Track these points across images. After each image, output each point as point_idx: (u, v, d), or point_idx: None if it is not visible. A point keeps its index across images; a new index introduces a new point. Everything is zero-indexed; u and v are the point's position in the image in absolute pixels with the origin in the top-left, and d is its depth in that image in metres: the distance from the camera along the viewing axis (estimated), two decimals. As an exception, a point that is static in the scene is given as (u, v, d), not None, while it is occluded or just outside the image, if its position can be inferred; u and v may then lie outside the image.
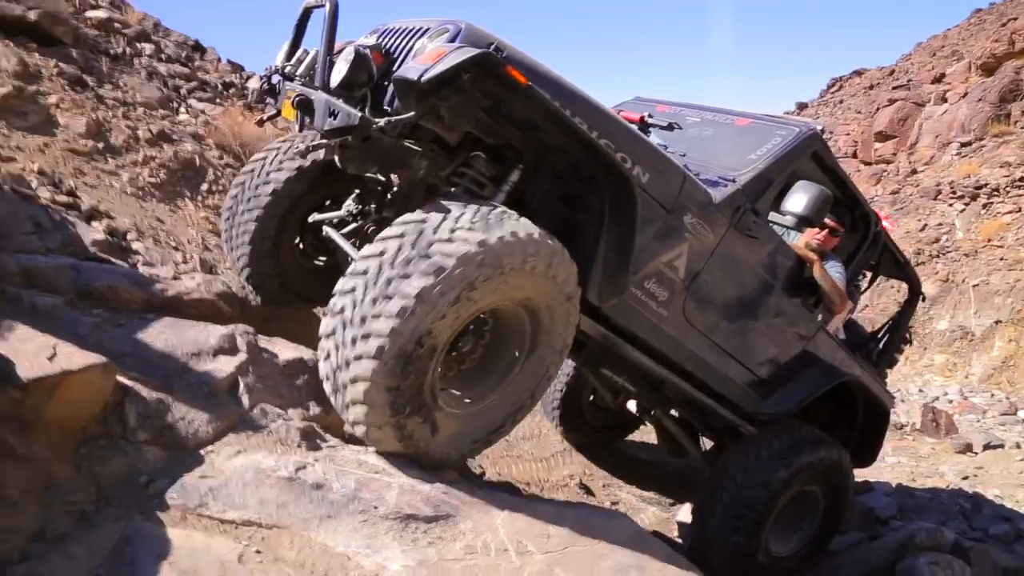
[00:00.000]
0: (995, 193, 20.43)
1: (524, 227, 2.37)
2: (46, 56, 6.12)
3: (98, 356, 2.14)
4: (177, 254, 4.19)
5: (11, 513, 1.76)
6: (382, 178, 3.19)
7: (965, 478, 6.05)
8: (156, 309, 2.82)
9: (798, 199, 3.10)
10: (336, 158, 2.72)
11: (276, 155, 3.37)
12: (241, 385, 2.47)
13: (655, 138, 3.28)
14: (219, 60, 11.60)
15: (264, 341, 2.81)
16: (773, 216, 3.41)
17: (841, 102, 42.32)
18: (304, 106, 2.59)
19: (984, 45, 27.32)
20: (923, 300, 4.65)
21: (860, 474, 6.19)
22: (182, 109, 7.10)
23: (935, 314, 18.42)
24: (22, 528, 1.77)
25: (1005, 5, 31.97)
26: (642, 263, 2.87)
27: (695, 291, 3.12)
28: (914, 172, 25.95)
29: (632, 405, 4.88)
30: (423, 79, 2.22)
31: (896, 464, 6.68)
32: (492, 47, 2.43)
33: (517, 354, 2.61)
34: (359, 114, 2.37)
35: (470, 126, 2.66)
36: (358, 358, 2.18)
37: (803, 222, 3.15)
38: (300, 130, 2.67)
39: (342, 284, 2.37)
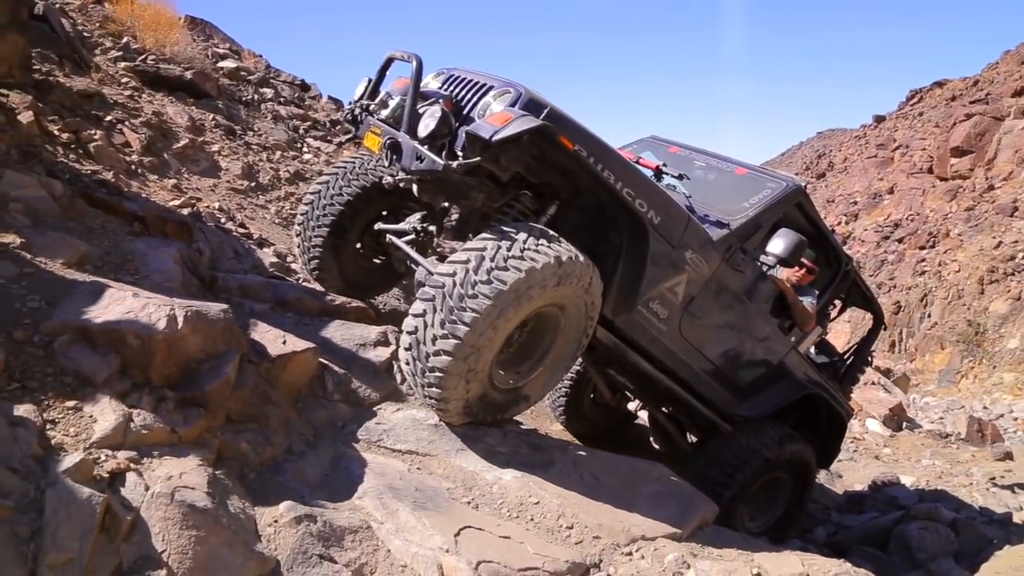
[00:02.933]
0: (1074, 211, 19.99)
1: (568, 250, 2.99)
2: (201, 109, 7.52)
3: (309, 343, 3.27)
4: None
5: (277, 436, 2.88)
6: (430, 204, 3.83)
7: (992, 479, 6.56)
8: (328, 314, 3.95)
9: (778, 243, 3.67)
10: (415, 188, 3.43)
11: (344, 174, 4.01)
12: (394, 367, 3.55)
13: (668, 179, 3.96)
14: (321, 96, 13.03)
15: (405, 337, 3.90)
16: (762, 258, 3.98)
17: (921, 114, 41.00)
18: (394, 147, 3.18)
19: (1068, 56, 26.57)
20: (884, 329, 5.23)
21: (892, 471, 6.85)
22: (304, 148, 8.41)
23: (1006, 332, 18.20)
24: (281, 444, 2.88)
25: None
26: (649, 288, 3.41)
27: (690, 312, 3.70)
28: (991, 188, 25.43)
29: (632, 405, 5.51)
30: (494, 139, 2.83)
31: (930, 466, 7.21)
32: (547, 112, 3.00)
33: (553, 335, 3.28)
34: (442, 162, 2.95)
35: (520, 169, 3.23)
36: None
37: (781, 262, 3.73)
38: (389, 165, 3.21)
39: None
